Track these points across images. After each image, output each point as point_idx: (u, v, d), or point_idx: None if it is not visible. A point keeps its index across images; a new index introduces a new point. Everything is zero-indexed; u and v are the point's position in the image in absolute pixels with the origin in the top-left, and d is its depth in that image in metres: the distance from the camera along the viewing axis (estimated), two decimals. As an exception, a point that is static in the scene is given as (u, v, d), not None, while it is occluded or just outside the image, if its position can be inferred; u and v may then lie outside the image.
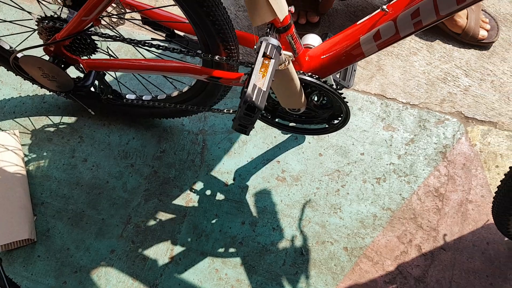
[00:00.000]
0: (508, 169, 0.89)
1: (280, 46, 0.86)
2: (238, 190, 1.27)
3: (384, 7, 0.86)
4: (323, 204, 1.25)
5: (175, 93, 1.21)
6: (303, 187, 1.27)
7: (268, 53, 0.83)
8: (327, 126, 1.12)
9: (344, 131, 1.32)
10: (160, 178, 1.28)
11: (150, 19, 1.06)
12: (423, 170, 1.27)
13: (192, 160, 1.31)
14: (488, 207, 1.22)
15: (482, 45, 1.39)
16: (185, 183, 1.28)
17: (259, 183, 1.28)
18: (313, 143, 1.31)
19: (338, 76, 1.21)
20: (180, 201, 1.26)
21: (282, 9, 0.86)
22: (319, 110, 1.06)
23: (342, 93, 1.00)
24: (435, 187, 1.25)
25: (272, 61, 0.83)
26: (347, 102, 1.04)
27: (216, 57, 0.93)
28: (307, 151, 1.31)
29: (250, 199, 1.26)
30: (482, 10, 1.41)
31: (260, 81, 0.80)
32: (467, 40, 1.38)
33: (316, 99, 1.03)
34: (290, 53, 0.92)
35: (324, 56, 0.97)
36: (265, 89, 0.80)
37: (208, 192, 1.27)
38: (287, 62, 0.90)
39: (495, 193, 1.01)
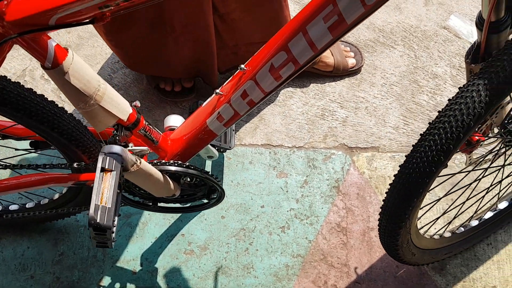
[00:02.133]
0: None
1: (123, 151, 0.82)
2: (147, 275, 1.19)
3: (218, 91, 0.87)
4: (235, 267, 1.20)
5: (56, 196, 1.13)
6: (213, 255, 1.22)
7: (106, 167, 0.79)
8: (207, 201, 1.09)
9: (240, 187, 1.29)
10: (64, 284, 1.18)
11: (9, 134, 0.98)
12: (322, 208, 1.27)
13: (94, 256, 1.22)
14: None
15: (354, 72, 1.42)
16: (91, 283, 1.18)
17: (167, 262, 1.21)
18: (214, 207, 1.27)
19: (219, 139, 1.18)
20: (89, 303, 1.16)
21: (123, 109, 0.83)
22: (196, 189, 1.03)
23: (208, 172, 0.98)
24: (337, 222, 1.25)
25: (113, 173, 0.79)
26: (216, 177, 1.02)
27: (75, 164, 0.88)
28: (209, 217, 1.26)
29: (161, 281, 1.19)
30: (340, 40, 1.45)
31: (103, 198, 0.75)
32: (340, 73, 1.41)
33: (189, 179, 1.00)
34: (143, 148, 0.89)
35: (185, 137, 0.94)
36: (110, 206, 0.76)
37: (117, 286, 1.19)
38: (138, 161, 0.86)
39: (379, 214, 0.96)
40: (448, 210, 1.06)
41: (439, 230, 1.11)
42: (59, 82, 0.76)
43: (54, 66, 0.74)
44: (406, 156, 0.80)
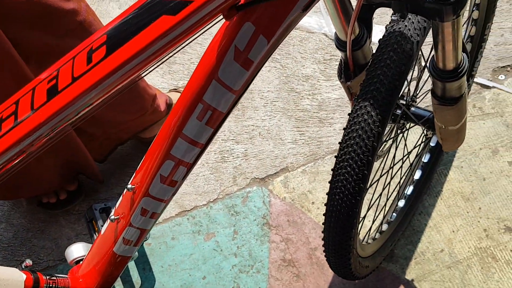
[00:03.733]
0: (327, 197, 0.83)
1: None
2: None
3: (112, 217, 0.78)
4: None
5: None
6: None
7: None
8: None
9: (173, 268, 1.18)
10: None
11: None
12: (262, 251, 1.20)
13: None
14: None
15: None
16: None
17: None
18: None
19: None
20: None
21: (13, 284, 0.69)
22: None
23: None
24: (281, 258, 1.19)
25: None
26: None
27: None
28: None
29: None
30: None
31: None
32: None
33: None
34: None
35: (97, 268, 0.83)
36: None
37: None
38: None
39: (323, 232, 0.89)
40: (375, 209, 1.06)
41: (377, 228, 1.10)
42: None
43: None
44: (327, 194, 0.76)
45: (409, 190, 1.17)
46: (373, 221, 1.09)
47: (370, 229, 1.07)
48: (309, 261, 1.19)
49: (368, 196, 1.12)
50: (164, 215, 1.24)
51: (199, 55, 1.47)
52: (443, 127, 0.87)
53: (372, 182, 0.94)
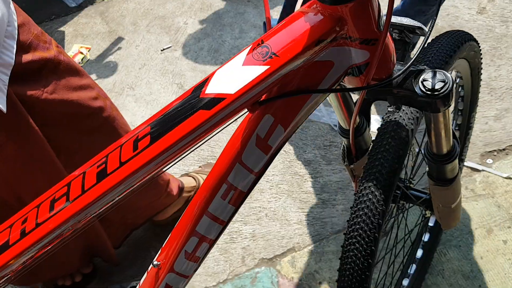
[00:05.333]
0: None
1: None
2: None
3: None
4: None
5: None
6: None
7: None
8: None
9: None
10: None
11: None
12: (271, 331, 1.19)
13: None
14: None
15: None
16: None
17: None
18: None
19: None
20: None
21: None
22: None
23: None
24: (290, 338, 1.18)
25: None
26: None
27: None
28: None
29: None
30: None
31: None
32: None
33: None
34: None
35: None
36: None
37: None
38: None
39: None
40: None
41: None
42: None
43: None
44: (337, 270, 0.79)
45: (412, 268, 1.20)
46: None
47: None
48: None
49: (374, 276, 1.14)
50: (175, 296, 1.25)
51: (207, 143, 1.56)
52: (441, 206, 0.92)
53: (377, 261, 0.98)
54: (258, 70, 0.58)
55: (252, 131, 0.65)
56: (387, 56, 0.67)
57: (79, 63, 1.80)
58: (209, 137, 0.62)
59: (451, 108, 1.04)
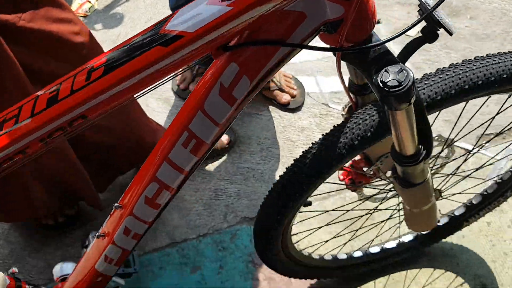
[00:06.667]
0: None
1: None
2: None
3: (98, 233, 0.81)
4: None
5: None
6: None
7: None
8: None
9: (158, 297, 1.19)
10: None
11: None
12: (245, 287, 1.20)
13: None
14: (311, 282, 1.21)
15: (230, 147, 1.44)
16: None
17: None
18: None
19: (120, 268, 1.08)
20: None
21: None
22: None
23: None
24: (262, 296, 1.20)
25: None
26: None
27: None
28: None
29: None
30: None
31: None
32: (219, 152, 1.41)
33: None
34: None
35: (80, 286, 0.85)
36: None
37: None
38: None
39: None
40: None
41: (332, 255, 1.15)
42: None
43: None
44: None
45: (374, 249, 1.19)
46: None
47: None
48: (289, 302, 1.19)
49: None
50: (154, 244, 1.26)
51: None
52: (405, 205, 0.90)
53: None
54: (221, 10, 0.55)
55: (216, 78, 0.63)
56: (364, 15, 0.64)
57: (86, 12, 1.79)
58: (169, 77, 0.60)
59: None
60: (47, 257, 1.24)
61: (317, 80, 1.57)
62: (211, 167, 1.40)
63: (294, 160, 0.86)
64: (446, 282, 1.21)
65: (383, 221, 1.14)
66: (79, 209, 1.28)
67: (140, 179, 0.74)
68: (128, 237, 0.80)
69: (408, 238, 1.21)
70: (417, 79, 0.79)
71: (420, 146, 0.74)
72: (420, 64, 1.57)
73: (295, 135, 1.47)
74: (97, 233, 0.82)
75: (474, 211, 1.17)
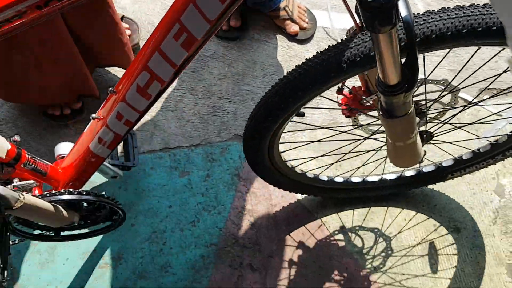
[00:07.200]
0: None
1: (2, 190, 0.78)
2: (64, 297, 1.12)
3: (94, 115, 0.86)
4: (152, 269, 1.16)
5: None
6: (128, 263, 1.17)
7: None
8: (111, 222, 1.05)
9: (146, 193, 1.26)
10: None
11: None
12: (227, 196, 1.27)
13: (4, 291, 1.12)
14: (290, 202, 1.26)
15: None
16: (5, 318, 1.09)
17: (83, 280, 1.14)
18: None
19: (122, 158, 1.16)
20: None
21: None
22: (96, 212, 0.99)
23: (102, 195, 0.95)
24: (242, 206, 1.25)
25: None
26: (113, 198, 0.99)
27: None
28: (119, 227, 1.21)
29: (79, 300, 1.12)
30: None
31: None
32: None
33: (85, 205, 0.96)
34: (29, 181, 0.86)
35: (74, 164, 0.91)
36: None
37: (33, 315, 1.10)
38: (21, 197, 0.82)
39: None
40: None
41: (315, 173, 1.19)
42: None
43: None
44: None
45: (355, 179, 1.23)
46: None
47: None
48: (267, 215, 1.24)
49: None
50: (149, 147, 1.33)
51: None
52: (389, 141, 0.90)
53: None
54: None
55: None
56: None
57: None
58: None
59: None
60: (49, 144, 1.32)
61: (330, 15, 1.57)
62: (213, 85, 1.43)
63: (296, 65, 0.87)
64: (420, 221, 1.25)
65: (369, 151, 1.16)
66: (84, 104, 1.34)
67: (133, 67, 0.78)
68: (120, 122, 0.85)
69: (390, 176, 1.24)
70: (418, 13, 0.80)
71: (405, 78, 0.73)
72: (431, 2, 1.55)
73: (299, 66, 1.49)
74: (93, 115, 0.87)
75: (461, 166, 1.18)
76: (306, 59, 0.86)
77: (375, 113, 0.97)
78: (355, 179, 1.22)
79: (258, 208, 1.25)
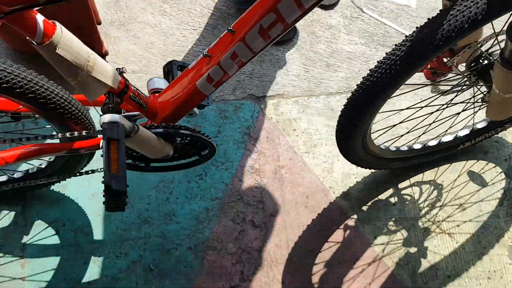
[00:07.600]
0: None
1: (122, 119, 0.82)
2: (70, 234, 1.16)
3: (206, 53, 0.86)
4: (157, 216, 1.19)
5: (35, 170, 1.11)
6: (134, 208, 1.20)
7: (112, 137, 0.79)
8: (198, 157, 1.07)
9: (157, 143, 1.27)
10: (-14, 253, 1.13)
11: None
12: (236, 154, 1.28)
13: (14, 223, 1.16)
14: (297, 165, 1.27)
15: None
16: (14, 248, 1.14)
17: (90, 220, 1.18)
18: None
19: None
20: (14, 267, 1.11)
21: (113, 78, 0.81)
22: (187, 147, 1.01)
23: (199, 131, 0.97)
24: (250, 165, 1.27)
25: (120, 142, 0.79)
26: (207, 135, 1.00)
27: (67, 134, 0.89)
28: (128, 172, 1.23)
29: (85, 238, 1.16)
30: None
31: (113, 167, 0.78)
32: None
33: (180, 139, 0.98)
34: (135, 113, 0.91)
35: (174, 99, 0.92)
36: (121, 174, 0.77)
37: (41, 248, 1.14)
38: (136, 127, 0.85)
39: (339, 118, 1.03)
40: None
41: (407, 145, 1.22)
42: (50, 57, 0.73)
43: (45, 41, 0.71)
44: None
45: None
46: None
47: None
48: (273, 176, 1.25)
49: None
50: (164, 98, 1.33)
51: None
52: (496, 89, 0.93)
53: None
54: None
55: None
56: None
57: None
58: None
59: None
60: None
61: (356, -18, 1.53)
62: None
63: (395, 44, 0.89)
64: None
65: (454, 115, 1.17)
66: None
67: (259, 8, 0.76)
68: (233, 62, 0.84)
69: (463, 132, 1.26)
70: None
71: None
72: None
73: (321, 31, 1.47)
74: (205, 53, 0.86)
75: None
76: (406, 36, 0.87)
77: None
78: (431, 143, 1.24)
79: (265, 168, 1.27)
